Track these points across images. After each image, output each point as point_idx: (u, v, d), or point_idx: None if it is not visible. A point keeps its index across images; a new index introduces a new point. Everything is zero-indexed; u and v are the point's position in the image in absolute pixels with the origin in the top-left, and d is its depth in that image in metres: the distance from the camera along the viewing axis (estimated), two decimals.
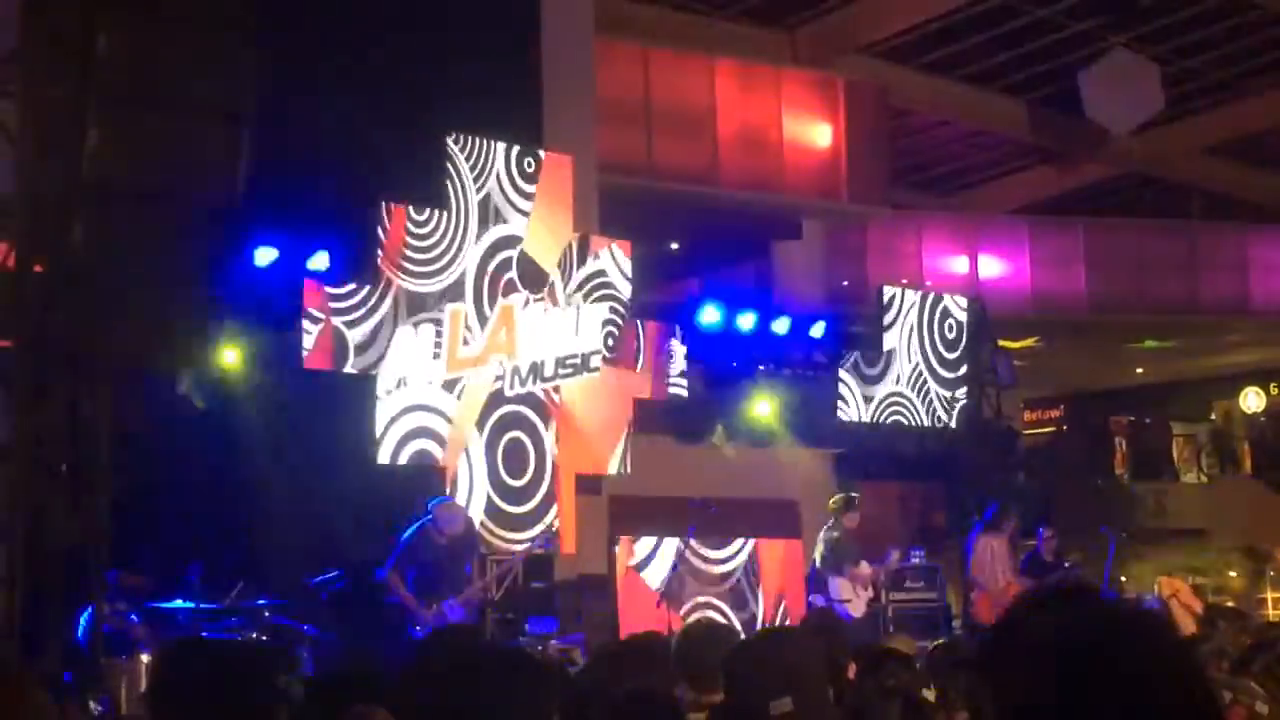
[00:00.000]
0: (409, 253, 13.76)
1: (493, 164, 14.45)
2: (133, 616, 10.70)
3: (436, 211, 14.02)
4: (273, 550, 12.30)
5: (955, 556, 16.81)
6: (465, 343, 14.12)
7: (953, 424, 18.24)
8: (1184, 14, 21.99)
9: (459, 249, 14.15)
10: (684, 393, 16.03)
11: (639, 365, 15.51)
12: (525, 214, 14.67)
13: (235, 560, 11.96)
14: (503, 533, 14.16)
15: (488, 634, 12.05)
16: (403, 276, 13.68)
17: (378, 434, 13.39)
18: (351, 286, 13.27)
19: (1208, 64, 23.88)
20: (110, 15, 9.43)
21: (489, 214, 14.41)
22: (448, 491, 13.49)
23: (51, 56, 9.43)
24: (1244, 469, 26.58)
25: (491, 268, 14.40)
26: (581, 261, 15.09)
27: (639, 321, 15.59)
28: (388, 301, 13.51)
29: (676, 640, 5.91)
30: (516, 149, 14.66)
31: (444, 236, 14.04)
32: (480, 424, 14.24)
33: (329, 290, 13.13)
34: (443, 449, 13.86)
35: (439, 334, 13.89)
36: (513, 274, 14.53)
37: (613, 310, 15.23)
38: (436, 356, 13.87)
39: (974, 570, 15.59)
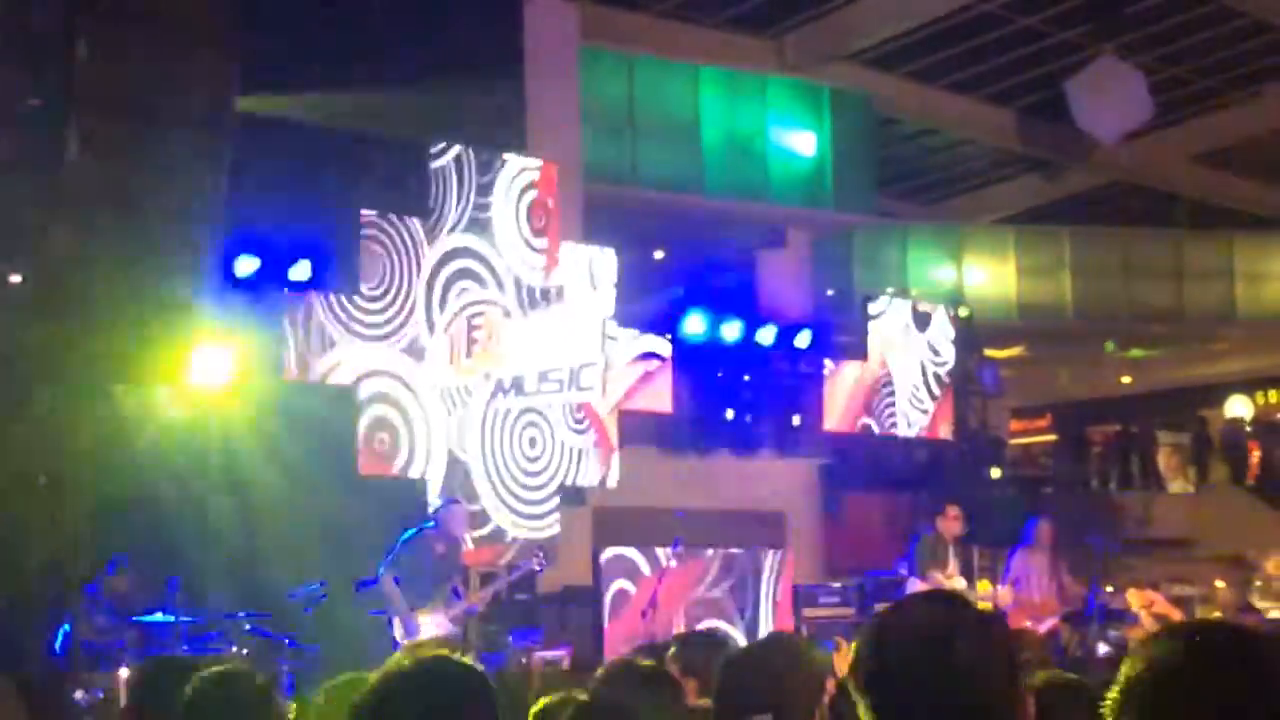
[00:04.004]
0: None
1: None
2: (117, 635, 10.61)
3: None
4: (253, 562, 12.19)
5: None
6: (468, 354, 14.23)
7: (939, 434, 18.18)
8: (1169, 22, 21.95)
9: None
10: (668, 404, 15.95)
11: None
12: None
13: (215, 572, 11.86)
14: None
15: (471, 647, 11.95)
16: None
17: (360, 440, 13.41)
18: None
19: (1193, 72, 23.85)
20: (90, 23, 9.35)
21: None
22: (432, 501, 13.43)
23: (31, 65, 9.35)
24: (1230, 478, 26.49)
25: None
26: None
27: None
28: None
29: None
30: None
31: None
32: (486, 430, 14.43)
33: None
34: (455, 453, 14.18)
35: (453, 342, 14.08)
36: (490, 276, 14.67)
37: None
38: (452, 363, 14.13)
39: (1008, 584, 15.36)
